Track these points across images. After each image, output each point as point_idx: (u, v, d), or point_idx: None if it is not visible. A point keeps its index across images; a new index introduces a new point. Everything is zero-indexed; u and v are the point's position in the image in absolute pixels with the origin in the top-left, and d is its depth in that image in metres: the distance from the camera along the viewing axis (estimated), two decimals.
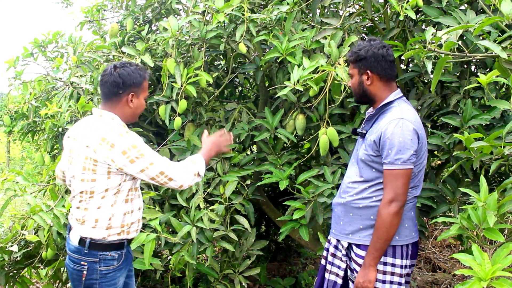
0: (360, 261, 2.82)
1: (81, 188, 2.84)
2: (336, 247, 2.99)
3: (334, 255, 3.00)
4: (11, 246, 3.90)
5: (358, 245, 2.84)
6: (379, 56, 2.78)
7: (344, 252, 2.92)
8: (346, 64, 3.34)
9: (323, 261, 3.12)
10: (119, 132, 2.78)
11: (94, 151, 2.76)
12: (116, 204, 2.87)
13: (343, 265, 2.93)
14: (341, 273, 2.94)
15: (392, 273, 2.79)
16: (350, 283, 2.91)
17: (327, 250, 3.09)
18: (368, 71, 2.81)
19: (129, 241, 3.06)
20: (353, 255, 2.87)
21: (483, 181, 2.54)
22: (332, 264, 3.00)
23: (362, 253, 2.82)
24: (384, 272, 2.77)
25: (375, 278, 2.73)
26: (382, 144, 2.69)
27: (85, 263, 2.85)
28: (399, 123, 2.68)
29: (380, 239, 2.69)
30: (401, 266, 2.82)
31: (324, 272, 3.07)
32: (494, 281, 2.06)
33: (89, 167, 2.79)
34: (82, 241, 2.84)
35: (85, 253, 2.84)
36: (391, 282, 2.78)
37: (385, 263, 2.79)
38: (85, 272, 2.85)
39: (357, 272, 2.84)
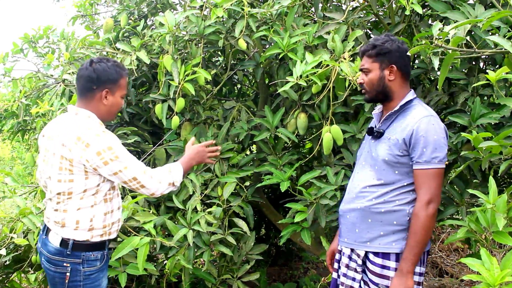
0: (377, 270, 2.78)
1: (58, 189, 2.85)
2: (350, 257, 2.93)
3: (348, 266, 2.94)
4: (0, 250, 3.90)
5: (376, 253, 2.79)
6: (403, 51, 2.78)
7: (360, 262, 2.86)
8: (351, 59, 3.34)
9: (334, 275, 3.08)
10: (96, 132, 2.79)
11: (70, 150, 2.77)
12: (96, 205, 2.89)
13: (358, 277, 2.87)
14: (356, 285, 2.88)
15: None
16: None
17: (338, 261, 3.04)
18: (392, 66, 2.79)
19: (110, 241, 3.10)
20: (369, 264, 2.82)
21: (492, 182, 2.54)
22: (346, 276, 2.94)
23: (379, 261, 2.78)
24: None
25: (413, 285, 2.68)
26: (413, 142, 2.67)
27: (68, 265, 2.87)
28: (431, 121, 2.68)
29: (419, 243, 2.65)
30: (420, 274, 2.80)
31: (337, 286, 3.03)
32: (504, 286, 2.06)
33: (65, 167, 2.80)
34: (64, 242, 2.86)
35: (67, 254, 2.86)
36: None
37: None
38: (68, 274, 2.87)
39: (373, 282, 2.81)
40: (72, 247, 2.85)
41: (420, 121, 2.68)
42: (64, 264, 2.86)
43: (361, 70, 2.91)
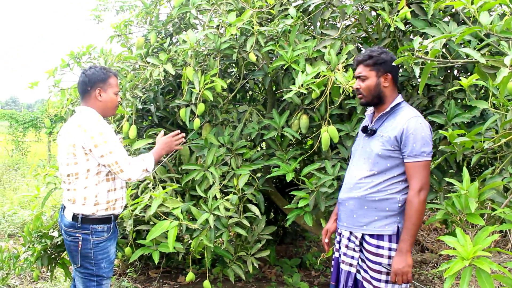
0: (372, 249, 2.78)
1: (67, 171, 2.98)
2: (349, 239, 2.94)
3: (347, 247, 2.94)
4: (53, 232, 3.95)
5: (371, 235, 2.79)
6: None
7: (357, 243, 2.86)
8: (345, 70, 3.35)
9: (336, 254, 3.08)
10: (92, 121, 2.93)
11: (72, 136, 2.91)
12: (100, 183, 3.00)
13: (356, 255, 2.87)
14: (355, 262, 2.88)
15: None
16: (362, 271, 2.88)
17: (339, 242, 3.04)
18: (387, 74, 2.79)
19: (116, 216, 3.17)
20: (365, 245, 2.83)
21: (465, 172, 2.54)
22: (346, 255, 2.95)
23: (374, 242, 2.78)
24: (389, 257, 2.74)
25: (412, 262, 2.69)
26: (404, 139, 2.66)
27: (79, 235, 2.98)
28: (419, 120, 2.68)
29: (415, 225, 2.64)
30: None
31: (339, 264, 3.04)
32: (475, 260, 2.06)
33: (70, 151, 2.93)
34: (75, 217, 2.97)
35: (78, 227, 2.97)
36: None
37: (391, 249, 2.77)
38: (80, 243, 2.99)
39: (369, 260, 2.81)
40: (81, 220, 2.97)
41: (409, 121, 2.68)
42: (77, 235, 2.98)
43: (357, 77, 2.89)
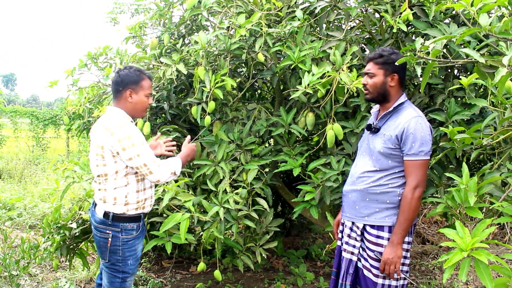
0: (372, 239, 2.81)
1: (97, 172, 2.95)
2: (351, 229, 2.96)
3: (349, 236, 2.97)
4: (71, 223, 3.97)
5: (372, 226, 2.82)
6: (405, 64, 2.78)
7: (359, 232, 2.89)
8: (349, 70, 3.34)
9: (339, 242, 3.10)
10: (120, 123, 2.85)
11: (101, 138, 2.86)
12: (129, 184, 2.96)
13: (358, 244, 2.90)
14: (356, 251, 2.92)
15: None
16: (362, 259, 2.90)
17: (342, 232, 3.07)
18: (394, 74, 2.80)
19: (145, 215, 3.18)
20: (366, 235, 2.85)
21: (465, 167, 2.53)
22: (348, 244, 2.97)
23: (375, 232, 2.81)
24: None
25: (402, 254, 2.71)
26: (404, 138, 2.68)
27: (110, 232, 2.96)
28: (419, 120, 2.68)
29: (407, 220, 2.67)
30: (408, 242, 2.82)
31: (341, 252, 3.05)
32: (474, 251, 2.05)
33: (99, 153, 2.88)
34: (106, 214, 2.95)
35: (109, 224, 2.96)
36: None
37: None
38: (109, 240, 2.97)
39: (369, 249, 2.83)
40: (112, 218, 2.95)
41: (410, 120, 2.68)
42: (107, 231, 2.97)
43: (366, 73, 2.91)
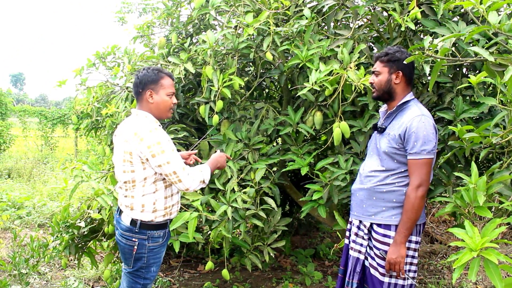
0: (380, 238, 2.81)
1: (124, 178, 2.86)
2: (358, 227, 2.96)
3: (356, 234, 2.97)
4: (79, 222, 3.99)
5: (379, 225, 2.82)
6: (412, 62, 2.78)
7: (366, 231, 2.90)
8: (357, 68, 3.34)
9: (346, 241, 3.11)
10: (149, 129, 2.74)
11: (129, 144, 2.76)
12: (158, 191, 2.86)
13: (365, 243, 2.91)
14: (363, 250, 2.92)
15: (408, 248, 2.79)
16: (369, 258, 2.90)
17: (349, 230, 3.07)
18: (399, 72, 2.81)
19: (171, 221, 3.09)
20: (373, 233, 2.86)
21: (473, 166, 2.52)
22: (355, 242, 2.98)
23: (382, 231, 2.81)
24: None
25: (405, 254, 2.71)
26: (407, 137, 2.67)
27: (136, 240, 2.88)
28: (422, 119, 2.67)
29: (410, 219, 2.67)
30: (416, 242, 2.82)
31: (348, 250, 3.06)
32: (483, 251, 2.04)
33: (127, 159, 2.79)
34: (133, 222, 2.86)
35: (136, 231, 2.87)
36: (407, 256, 2.79)
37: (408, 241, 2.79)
38: (135, 247, 2.89)
39: (376, 248, 2.83)
40: (139, 226, 2.86)
41: (413, 119, 2.68)
42: (133, 239, 2.88)
43: (373, 72, 2.93)
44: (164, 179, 2.87)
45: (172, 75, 3.02)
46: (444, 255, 5.75)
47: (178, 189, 2.94)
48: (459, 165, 3.43)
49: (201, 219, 3.63)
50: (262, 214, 3.79)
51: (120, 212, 2.99)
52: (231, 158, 3.69)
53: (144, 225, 2.87)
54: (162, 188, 2.88)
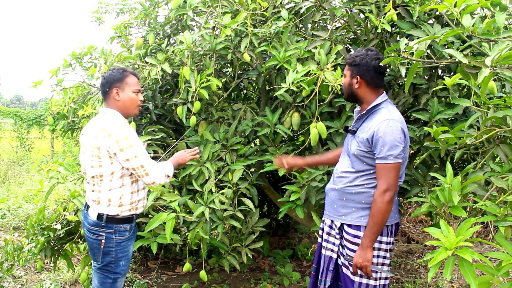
0: (350, 238, 2.80)
1: (91, 173, 2.93)
2: (330, 227, 2.96)
3: (329, 234, 2.97)
4: (55, 224, 3.93)
5: (349, 225, 2.81)
6: (370, 67, 2.74)
7: (337, 230, 2.90)
8: (334, 69, 3.35)
9: (319, 240, 3.11)
10: (118, 125, 2.85)
11: (98, 139, 2.84)
12: (124, 186, 2.95)
13: (337, 242, 2.91)
14: (336, 248, 2.92)
15: (379, 249, 2.79)
16: (341, 257, 2.90)
17: (322, 229, 3.07)
18: (358, 76, 2.78)
19: (137, 216, 3.16)
20: (344, 233, 2.85)
21: (449, 166, 2.55)
22: (328, 241, 2.98)
23: (352, 231, 2.80)
24: (373, 248, 2.75)
25: (372, 257, 2.70)
26: (374, 141, 2.64)
27: (103, 234, 2.95)
28: (389, 123, 2.63)
29: (376, 224, 2.65)
30: (387, 243, 2.81)
31: (321, 248, 3.07)
32: (458, 250, 2.07)
33: (95, 154, 2.87)
34: (100, 216, 2.94)
35: (102, 226, 2.94)
36: (378, 256, 2.79)
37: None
38: (103, 241, 2.96)
39: (347, 248, 2.83)
40: (106, 220, 2.93)
41: (381, 123, 2.64)
42: (100, 233, 2.95)
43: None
44: (131, 174, 2.96)
45: (136, 74, 3.11)
46: (421, 255, 5.81)
47: (145, 183, 3.02)
48: (434, 166, 3.47)
49: (178, 220, 3.62)
50: (240, 215, 3.79)
51: (87, 207, 3.05)
52: (199, 156, 3.69)
53: (110, 219, 2.94)
54: (128, 183, 2.96)
